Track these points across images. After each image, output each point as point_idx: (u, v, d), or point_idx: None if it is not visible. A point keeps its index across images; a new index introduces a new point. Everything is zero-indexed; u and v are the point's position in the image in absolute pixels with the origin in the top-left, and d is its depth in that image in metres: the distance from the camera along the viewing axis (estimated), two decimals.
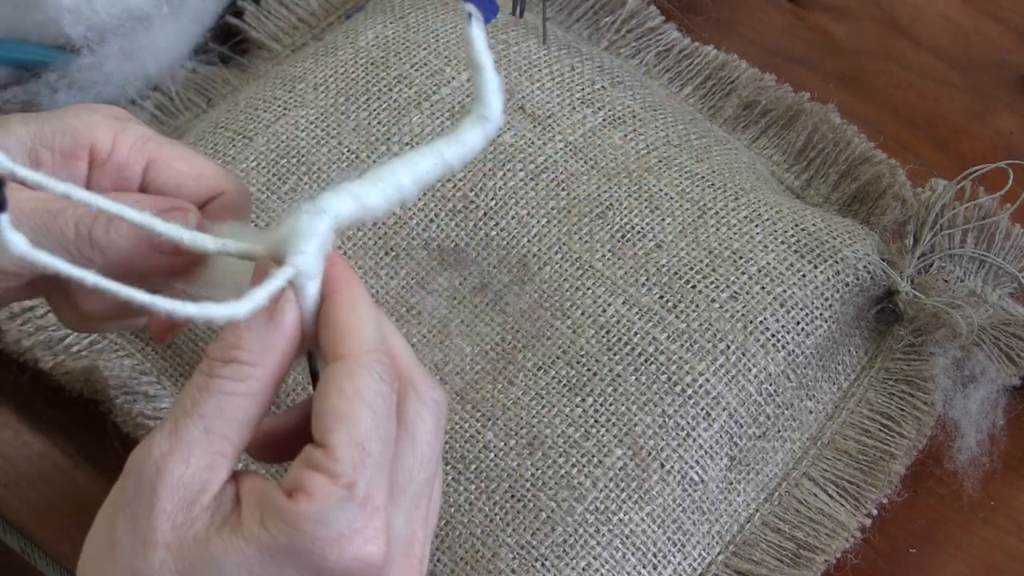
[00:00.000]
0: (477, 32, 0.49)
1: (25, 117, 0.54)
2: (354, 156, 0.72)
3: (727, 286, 0.68)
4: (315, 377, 0.50)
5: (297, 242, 0.47)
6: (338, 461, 0.45)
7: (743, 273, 0.68)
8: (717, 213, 0.71)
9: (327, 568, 0.45)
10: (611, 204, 0.71)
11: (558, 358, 0.67)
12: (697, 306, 0.68)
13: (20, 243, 0.42)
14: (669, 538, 0.64)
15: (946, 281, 0.73)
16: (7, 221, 0.41)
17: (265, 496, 0.45)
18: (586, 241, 0.70)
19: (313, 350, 0.50)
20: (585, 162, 0.73)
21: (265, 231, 0.50)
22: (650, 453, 0.64)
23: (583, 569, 0.62)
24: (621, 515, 0.63)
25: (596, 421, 0.65)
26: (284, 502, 0.45)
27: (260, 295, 0.46)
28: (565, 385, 0.66)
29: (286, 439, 0.50)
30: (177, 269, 0.53)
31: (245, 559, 0.44)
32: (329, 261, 0.48)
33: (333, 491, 0.44)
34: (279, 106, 0.75)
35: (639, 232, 0.70)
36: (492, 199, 0.71)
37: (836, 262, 0.70)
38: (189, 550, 0.45)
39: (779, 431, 0.68)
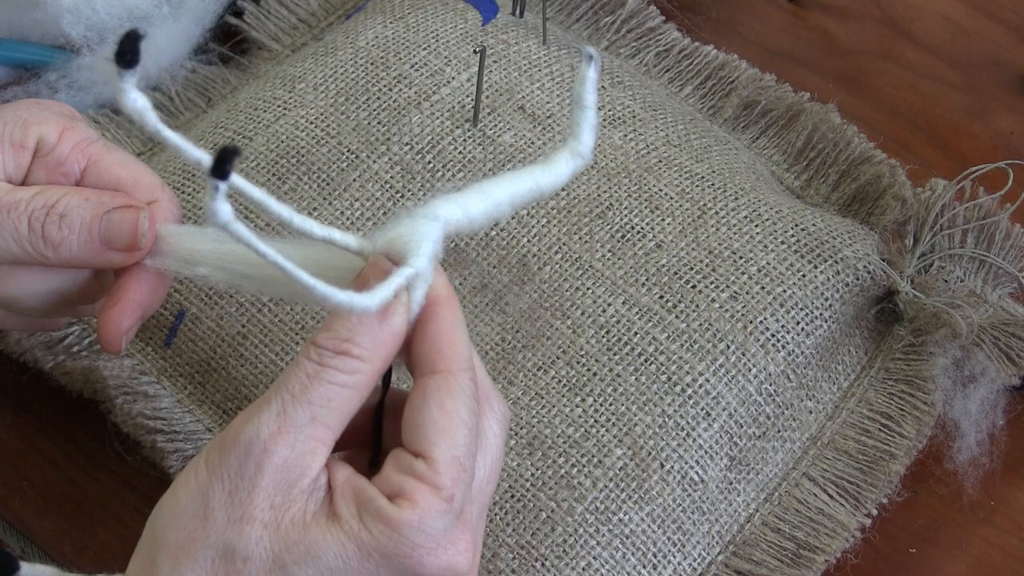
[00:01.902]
0: (591, 75, 0.50)
1: None
2: (354, 156, 0.72)
3: (727, 286, 0.68)
4: (386, 381, 0.52)
5: (419, 245, 0.49)
6: (440, 475, 0.47)
7: (743, 273, 0.68)
8: (717, 213, 0.71)
9: (420, 573, 0.47)
10: (611, 204, 0.71)
11: (558, 358, 0.67)
12: (697, 306, 0.68)
13: (227, 212, 0.43)
14: (669, 538, 0.64)
15: (946, 281, 0.73)
16: (224, 189, 0.43)
17: (364, 495, 0.47)
18: (586, 241, 0.70)
19: (393, 361, 0.51)
20: None
21: (379, 232, 0.51)
22: (650, 453, 0.64)
23: (583, 569, 0.62)
24: (621, 515, 0.63)
25: (596, 421, 0.65)
26: (388, 506, 0.47)
27: (387, 290, 0.47)
28: (565, 385, 0.66)
29: (350, 430, 0.51)
30: (128, 263, 0.56)
31: (344, 551, 0.46)
32: (436, 271, 0.50)
33: (435, 503, 0.47)
34: (279, 106, 0.75)
35: (639, 232, 0.70)
36: None
37: (836, 262, 0.70)
38: (286, 532, 0.46)
39: (779, 431, 0.68)
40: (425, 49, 0.76)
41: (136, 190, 0.57)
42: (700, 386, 0.66)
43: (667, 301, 0.68)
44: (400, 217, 0.50)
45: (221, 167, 0.42)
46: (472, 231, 0.51)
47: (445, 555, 0.47)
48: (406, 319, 0.49)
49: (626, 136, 0.74)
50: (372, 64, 0.75)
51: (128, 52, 0.43)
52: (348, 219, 0.71)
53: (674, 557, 0.64)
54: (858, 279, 0.70)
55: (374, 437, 0.52)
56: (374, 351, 0.48)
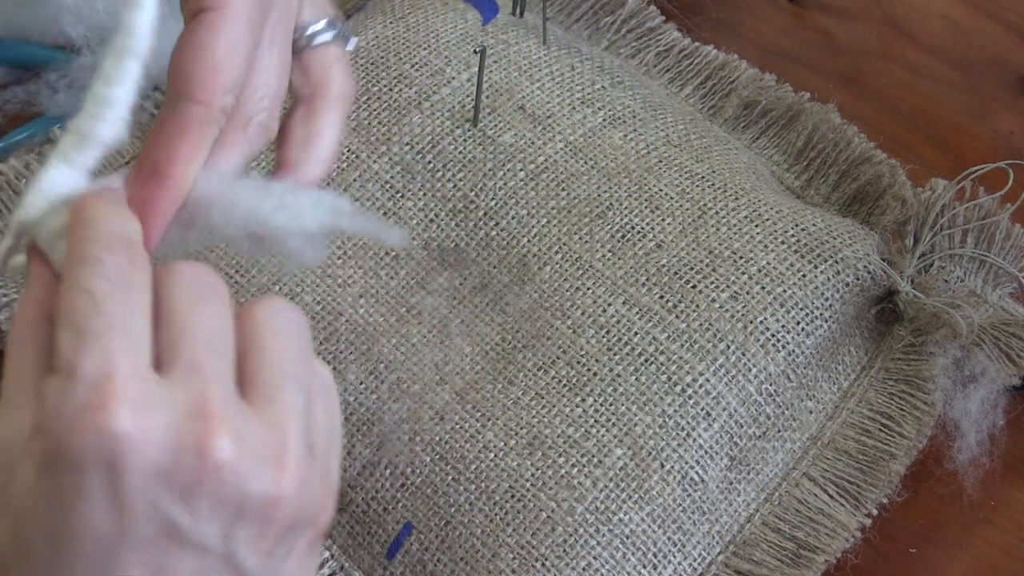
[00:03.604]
0: None
1: None
2: (354, 156, 0.72)
3: (727, 286, 0.68)
4: None
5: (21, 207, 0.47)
6: (57, 354, 0.42)
7: (743, 273, 0.69)
8: (717, 213, 0.71)
9: (78, 456, 0.40)
10: (611, 204, 0.71)
11: (558, 358, 0.67)
12: (697, 306, 0.68)
13: None
14: (669, 538, 0.64)
15: (946, 281, 0.73)
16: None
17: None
18: (586, 241, 0.70)
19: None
20: (585, 162, 0.73)
21: None
22: (650, 453, 0.64)
23: (583, 569, 0.62)
24: (621, 515, 0.63)
25: (596, 421, 0.65)
26: (37, 413, 0.42)
27: None
28: (565, 385, 0.66)
29: None
30: None
31: (27, 489, 0.42)
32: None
33: (55, 381, 0.41)
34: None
35: (639, 232, 0.70)
36: (492, 199, 0.71)
37: (836, 262, 0.70)
38: (6, 503, 0.42)
39: (779, 431, 0.68)
40: (425, 49, 0.76)
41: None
42: (700, 386, 0.66)
43: (667, 301, 0.68)
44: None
45: None
46: (121, 141, 0.48)
47: (86, 424, 0.40)
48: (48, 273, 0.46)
49: (626, 136, 0.74)
50: (372, 64, 0.75)
51: None
52: None
53: (674, 557, 0.64)
54: (858, 279, 0.70)
55: None
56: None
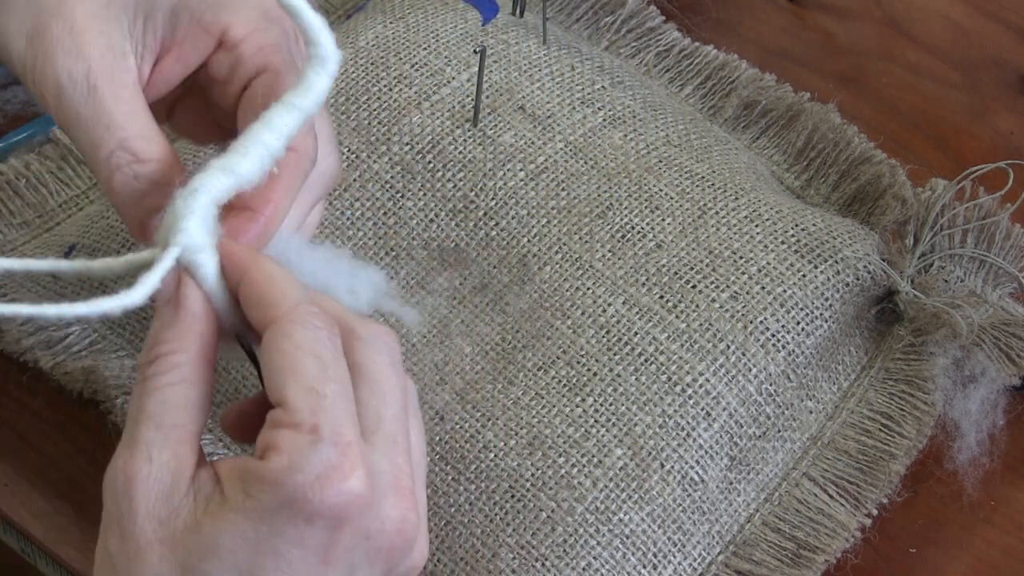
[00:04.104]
0: None
1: None
2: (354, 156, 0.72)
3: (727, 286, 0.68)
4: (254, 359, 0.51)
5: (175, 223, 0.48)
6: (296, 411, 0.45)
7: (743, 273, 0.68)
8: (717, 213, 0.71)
9: (314, 511, 0.45)
10: (611, 204, 0.71)
11: (558, 358, 0.67)
12: (697, 306, 0.68)
13: None
14: (669, 538, 0.64)
15: (946, 281, 0.73)
16: None
17: (242, 468, 0.46)
18: (586, 241, 0.70)
19: (243, 336, 0.51)
20: (585, 162, 0.73)
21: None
22: (650, 453, 0.64)
23: (583, 569, 0.62)
24: (621, 515, 0.63)
25: (596, 421, 0.65)
26: (259, 465, 0.45)
27: (151, 278, 0.47)
28: (565, 385, 0.66)
29: (258, 417, 0.51)
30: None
31: (239, 530, 0.45)
32: (222, 242, 0.49)
33: (299, 439, 0.45)
34: None
35: (639, 232, 0.70)
36: (492, 199, 0.71)
37: (836, 262, 0.70)
38: (182, 539, 0.45)
39: (779, 431, 0.68)
40: (425, 49, 0.76)
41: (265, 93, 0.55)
42: (700, 386, 0.66)
43: (667, 301, 0.68)
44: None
45: None
46: (254, 182, 0.50)
47: (330, 483, 0.44)
48: (200, 295, 0.48)
49: (626, 136, 0.74)
50: (372, 64, 0.75)
51: None
52: (348, 219, 0.71)
53: (674, 557, 0.64)
54: (858, 279, 0.70)
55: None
56: (182, 339, 0.48)
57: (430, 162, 0.72)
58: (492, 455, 0.64)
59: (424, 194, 0.71)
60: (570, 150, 0.73)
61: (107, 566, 0.47)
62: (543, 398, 0.65)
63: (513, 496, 0.63)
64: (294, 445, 0.45)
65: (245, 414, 0.51)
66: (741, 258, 0.69)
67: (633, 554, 0.63)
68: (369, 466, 0.46)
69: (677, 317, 0.67)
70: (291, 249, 0.53)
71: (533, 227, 0.71)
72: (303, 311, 0.47)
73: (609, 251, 0.70)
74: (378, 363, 0.49)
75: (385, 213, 0.71)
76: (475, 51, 0.75)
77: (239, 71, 0.55)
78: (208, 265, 0.48)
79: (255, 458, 0.46)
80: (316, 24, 0.51)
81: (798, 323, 0.68)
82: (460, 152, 0.72)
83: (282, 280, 0.49)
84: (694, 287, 0.68)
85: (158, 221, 0.49)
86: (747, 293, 0.68)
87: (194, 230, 0.48)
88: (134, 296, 0.46)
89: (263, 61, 0.55)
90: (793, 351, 0.68)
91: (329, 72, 0.51)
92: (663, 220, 0.71)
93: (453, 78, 0.75)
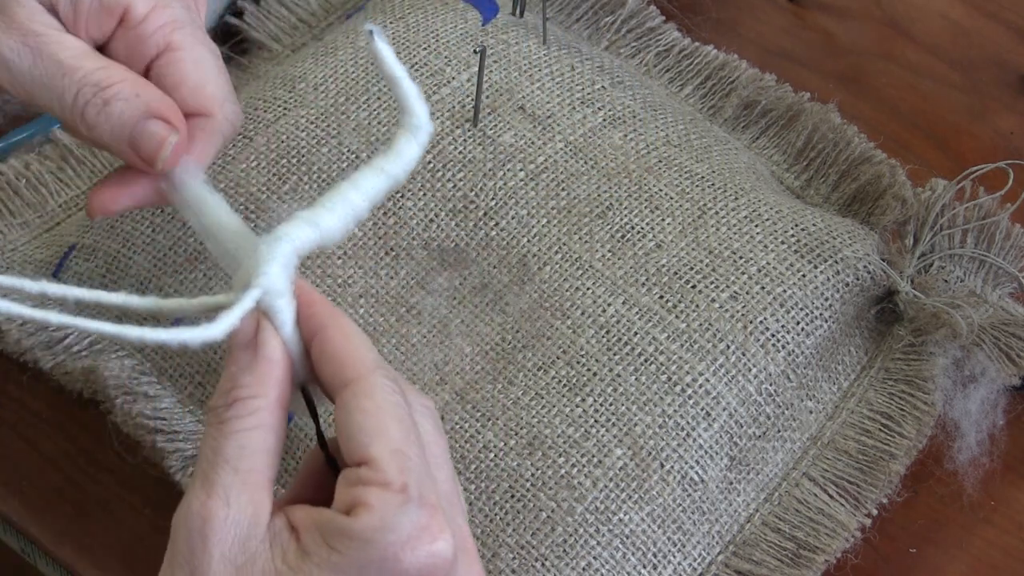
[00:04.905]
0: (383, 47, 0.51)
1: None
2: (354, 156, 0.72)
3: (727, 286, 0.68)
4: (313, 412, 0.52)
5: (259, 266, 0.49)
6: (385, 470, 0.46)
7: (743, 273, 0.69)
8: (717, 213, 0.71)
9: (403, 571, 0.45)
10: (611, 204, 0.71)
11: (558, 358, 0.67)
12: (697, 306, 0.68)
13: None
14: (669, 538, 0.64)
15: (946, 281, 0.73)
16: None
17: (323, 520, 0.46)
18: (586, 241, 0.70)
19: (306, 388, 0.51)
20: (585, 162, 0.73)
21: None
22: (650, 453, 0.64)
23: (583, 569, 0.62)
24: (621, 515, 0.63)
25: (596, 421, 0.65)
26: (347, 521, 0.45)
27: (232, 316, 0.48)
28: (565, 385, 0.66)
29: (314, 480, 0.52)
30: (145, 171, 0.57)
31: None
32: (301, 290, 0.50)
33: (390, 498, 0.45)
34: (279, 106, 0.75)
35: (639, 232, 0.70)
36: (492, 199, 0.71)
37: (836, 262, 0.70)
38: None
39: (779, 431, 0.68)
40: (425, 49, 0.76)
41: (195, 96, 0.57)
42: (700, 386, 0.66)
43: (667, 301, 0.68)
44: (249, 253, 0.50)
45: None
46: (336, 241, 0.51)
47: (421, 544, 0.46)
48: (280, 342, 0.49)
49: (626, 136, 0.74)
50: (372, 64, 0.75)
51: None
52: None
53: (674, 557, 0.64)
54: (858, 279, 0.70)
55: (329, 466, 0.52)
56: (261, 384, 0.48)
57: (430, 162, 0.72)
58: (492, 455, 0.64)
59: (424, 194, 0.71)
60: (570, 150, 0.73)
61: None
62: (543, 398, 0.66)
63: (513, 496, 0.63)
64: (385, 504, 0.45)
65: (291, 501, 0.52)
66: (741, 258, 0.69)
67: (633, 554, 0.63)
68: (451, 527, 0.47)
69: (677, 317, 0.67)
70: (198, 181, 0.56)
71: (533, 227, 0.71)
72: (381, 375, 0.48)
73: (609, 251, 0.70)
74: (427, 427, 0.50)
75: (385, 213, 0.71)
76: (475, 51, 0.75)
77: (140, 49, 0.56)
78: (286, 311, 0.49)
79: (337, 513, 0.46)
80: (413, 94, 0.52)
81: (798, 323, 0.68)
82: (460, 152, 0.72)
83: (360, 340, 0.49)
84: (694, 287, 0.68)
85: (166, 151, 0.53)
86: (747, 293, 0.68)
87: (276, 275, 0.49)
88: (214, 331, 0.47)
89: (164, 39, 0.56)
90: (793, 351, 0.68)
91: (420, 142, 0.52)
92: (663, 220, 0.71)
93: (453, 78, 0.75)
